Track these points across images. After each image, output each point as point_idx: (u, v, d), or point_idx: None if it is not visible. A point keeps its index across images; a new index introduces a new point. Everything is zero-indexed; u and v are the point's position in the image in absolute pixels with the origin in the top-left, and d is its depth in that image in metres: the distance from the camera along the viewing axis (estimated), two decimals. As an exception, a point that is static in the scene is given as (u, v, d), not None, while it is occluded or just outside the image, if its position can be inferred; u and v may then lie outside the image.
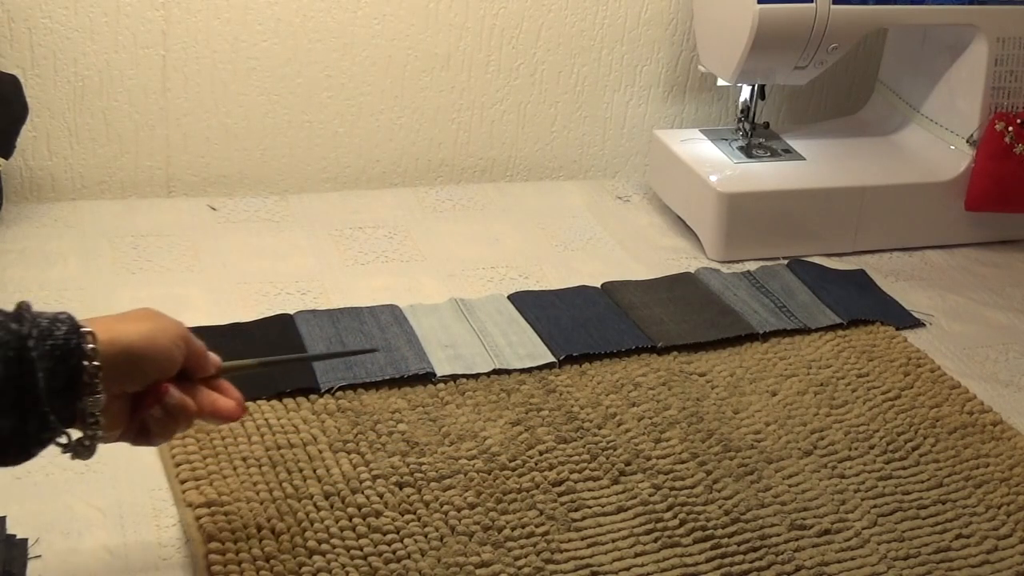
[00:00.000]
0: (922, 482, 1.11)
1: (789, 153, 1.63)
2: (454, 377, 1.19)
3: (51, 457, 1.01)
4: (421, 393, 1.16)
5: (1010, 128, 1.55)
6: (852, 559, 1.00)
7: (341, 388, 1.15)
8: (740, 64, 1.50)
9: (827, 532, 1.02)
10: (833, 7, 1.48)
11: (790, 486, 1.08)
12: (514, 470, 1.06)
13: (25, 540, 0.91)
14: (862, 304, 1.41)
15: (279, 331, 1.24)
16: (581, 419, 1.15)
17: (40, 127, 1.47)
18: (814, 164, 1.61)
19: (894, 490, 1.09)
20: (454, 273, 1.42)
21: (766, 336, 1.33)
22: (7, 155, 1.39)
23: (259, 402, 1.11)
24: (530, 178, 1.73)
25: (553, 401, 1.17)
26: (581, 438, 1.12)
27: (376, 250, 1.46)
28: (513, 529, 0.99)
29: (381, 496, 1.00)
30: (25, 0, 1.41)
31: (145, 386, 0.79)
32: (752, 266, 1.50)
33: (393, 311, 1.29)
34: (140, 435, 0.82)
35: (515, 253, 1.49)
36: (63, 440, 0.75)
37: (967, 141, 1.60)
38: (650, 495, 1.05)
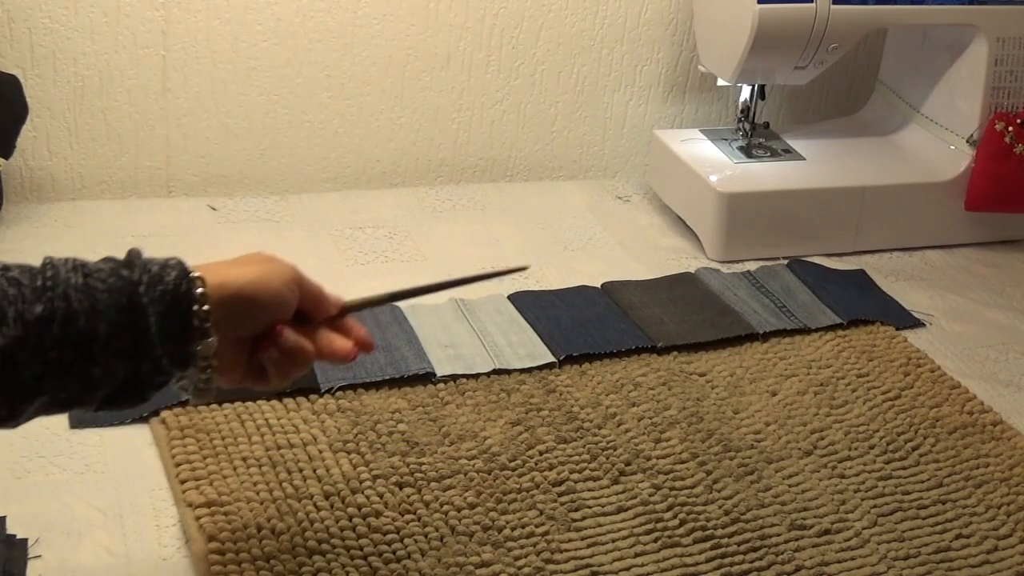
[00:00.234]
0: (922, 482, 1.11)
1: (789, 153, 1.63)
2: (454, 377, 1.19)
3: (51, 457, 1.02)
4: (421, 393, 1.16)
5: (1010, 128, 1.55)
6: (852, 559, 1.00)
7: (341, 388, 1.15)
8: (740, 64, 1.50)
9: (827, 532, 1.02)
10: (833, 7, 1.48)
11: (790, 486, 1.08)
12: (514, 470, 1.06)
13: (25, 540, 0.91)
14: (862, 304, 1.41)
15: (279, 331, 1.24)
16: (581, 419, 1.15)
17: (40, 127, 1.47)
18: (814, 164, 1.61)
19: (894, 490, 1.09)
20: (454, 273, 1.41)
21: (766, 336, 1.33)
22: (7, 155, 1.39)
23: (259, 402, 1.11)
24: (530, 178, 1.73)
25: (553, 401, 1.17)
26: (581, 438, 1.12)
27: (376, 250, 1.46)
28: (513, 529, 0.99)
29: (381, 496, 1.00)
30: (25, 0, 1.41)
31: (260, 329, 0.79)
32: (752, 266, 1.50)
33: (393, 311, 1.29)
34: (260, 378, 0.81)
35: (515, 253, 1.49)
36: (181, 383, 0.75)
37: (967, 141, 1.60)
38: (650, 495, 1.05)
